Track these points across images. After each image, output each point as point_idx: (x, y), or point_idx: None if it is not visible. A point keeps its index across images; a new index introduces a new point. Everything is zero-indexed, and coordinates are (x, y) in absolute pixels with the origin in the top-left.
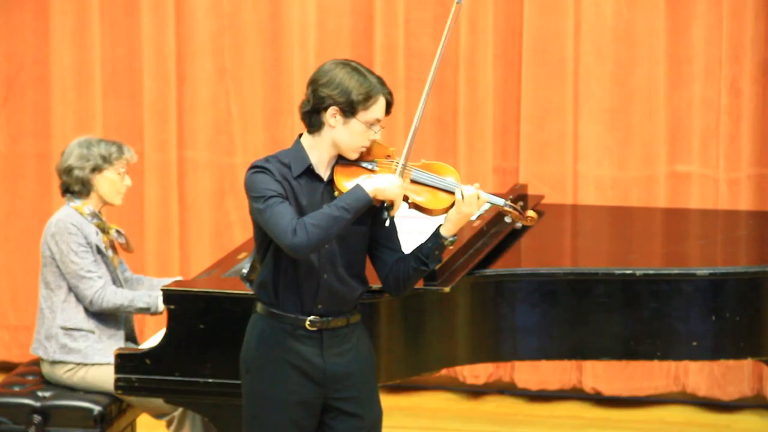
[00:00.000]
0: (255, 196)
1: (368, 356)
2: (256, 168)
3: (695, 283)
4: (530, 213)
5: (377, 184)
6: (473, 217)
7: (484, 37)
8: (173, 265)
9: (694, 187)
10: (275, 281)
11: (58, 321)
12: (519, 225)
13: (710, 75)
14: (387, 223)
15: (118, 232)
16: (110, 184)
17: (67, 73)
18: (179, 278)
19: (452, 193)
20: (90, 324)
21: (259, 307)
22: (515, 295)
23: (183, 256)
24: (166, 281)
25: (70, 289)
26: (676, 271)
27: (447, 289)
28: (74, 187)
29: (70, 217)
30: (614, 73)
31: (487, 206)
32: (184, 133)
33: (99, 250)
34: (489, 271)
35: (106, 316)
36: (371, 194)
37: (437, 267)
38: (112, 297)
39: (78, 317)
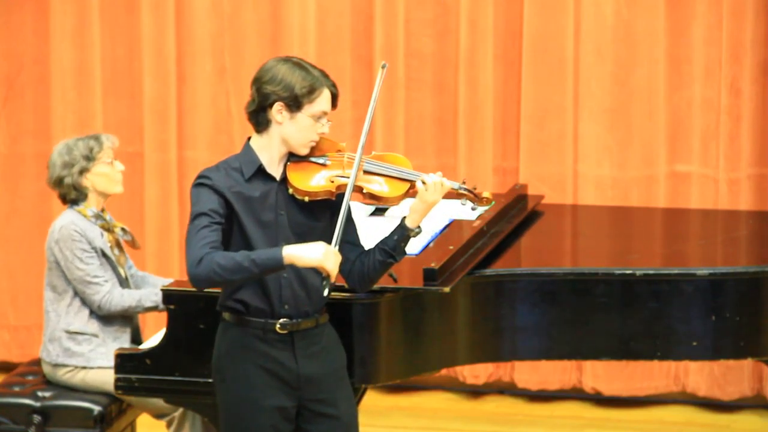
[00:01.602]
0: (191, 209)
1: (339, 356)
2: (199, 180)
3: (695, 283)
4: (485, 194)
5: (298, 251)
6: (473, 217)
7: (484, 37)
8: (173, 265)
9: (694, 187)
10: (240, 287)
11: (62, 324)
12: (474, 206)
13: (710, 75)
14: (325, 293)
15: (123, 230)
16: (104, 177)
17: (67, 73)
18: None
19: (407, 180)
20: (94, 328)
21: (227, 315)
22: (515, 295)
23: (183, 256)
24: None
25: (76, 293)
26: (676, 271)
27: (447, 289)
28: (71, 195)
29: (73, 223)
30: (614, 73)
31: (486, 206)
32: (184, 133)
33: (104, 254)
34: (489, 271)
35: (111, 320)
36: (287, 259)
37: (438, 266)
38: (120, 300)
39: (82, 321)
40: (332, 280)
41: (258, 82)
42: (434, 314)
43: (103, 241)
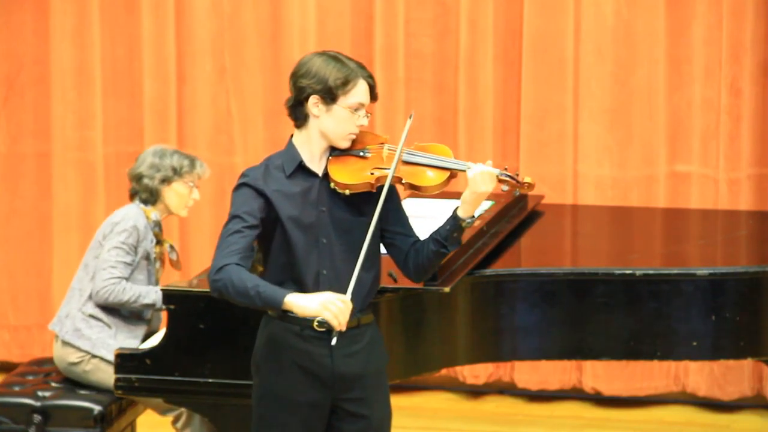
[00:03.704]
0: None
1: (380, 358)
2: (240, 179)
3: (695, 283)
4: (527, 180)
5: (298, 300)
6: (474, 215)
7: (484, 37)
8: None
9: (694, 187)
10: (279, 282)
11: (81, 304)
12: (517, 193)
13: (710, 75)
14: (332, 342)
15: (171, 247)
16: (178, 196)
17: (67, 73)
18: None
19: (447, 169)
20: (110, 318)
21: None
22: (515, 295)
23: (183, 256)
24: None
25: None
26: (676, 271)
27: (447, 289)
28: (142, 195)
29: (137, 218)
30: (614, 73)
31: (487, 205)
32: (184, 133)
33: (148, 257)
34: (489, 271)
35: (128, 317)
36: (286, 305)
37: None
38: (120, 294)
39: (101, 308)
40: (338, 329)
41: (294, 77)
42: (434, 314)
43: (152, 246)
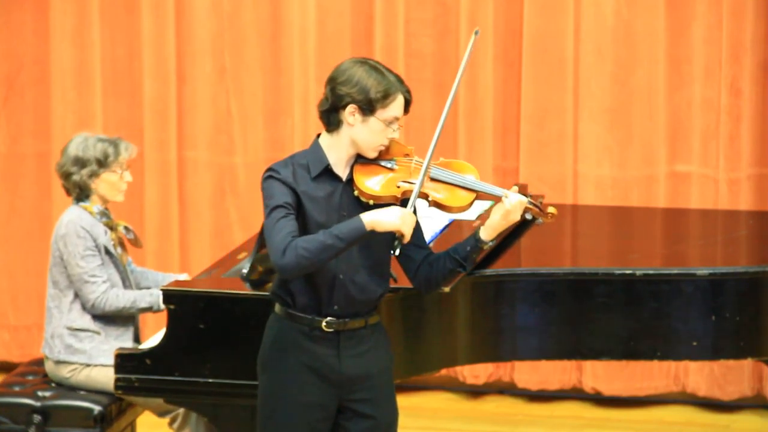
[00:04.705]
0: (264, 203)
1: (386, 358)
2: (269, 173)
3: (695, 283)
4: (550, 209)
5: (377, 216)
6: (473, 217)
7: (484, 37)
8: (173, 265)
9: (694, 187)
10: (291, 282)
11: (64, 321)
12: (540, 221)
13: (710, 75)
14: (396, 252)
15: (126, 228)
16: (109, 185)
17: (67, 73)
18: (185, 275)
19: (473, 191)
20: (96, 325)
21: (277, 307)
22: (515, 295)
23: (183, 256)
24: (170, 276)
25: None
26: (676, 271)
27: (447, 289)
28: (73, 192)
29: (80, 219)
30: (614, 73)
31: (487, 206)
32: (184, 133)
33: (107, 251)
34: (489, 271)
35: (113, 318)
36: (368, 226)
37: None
38: (114, 300)
39: (85, 318)
40: (405, 242)
41: (333, 82)
42: (434, 314)
43: (107, 238)
